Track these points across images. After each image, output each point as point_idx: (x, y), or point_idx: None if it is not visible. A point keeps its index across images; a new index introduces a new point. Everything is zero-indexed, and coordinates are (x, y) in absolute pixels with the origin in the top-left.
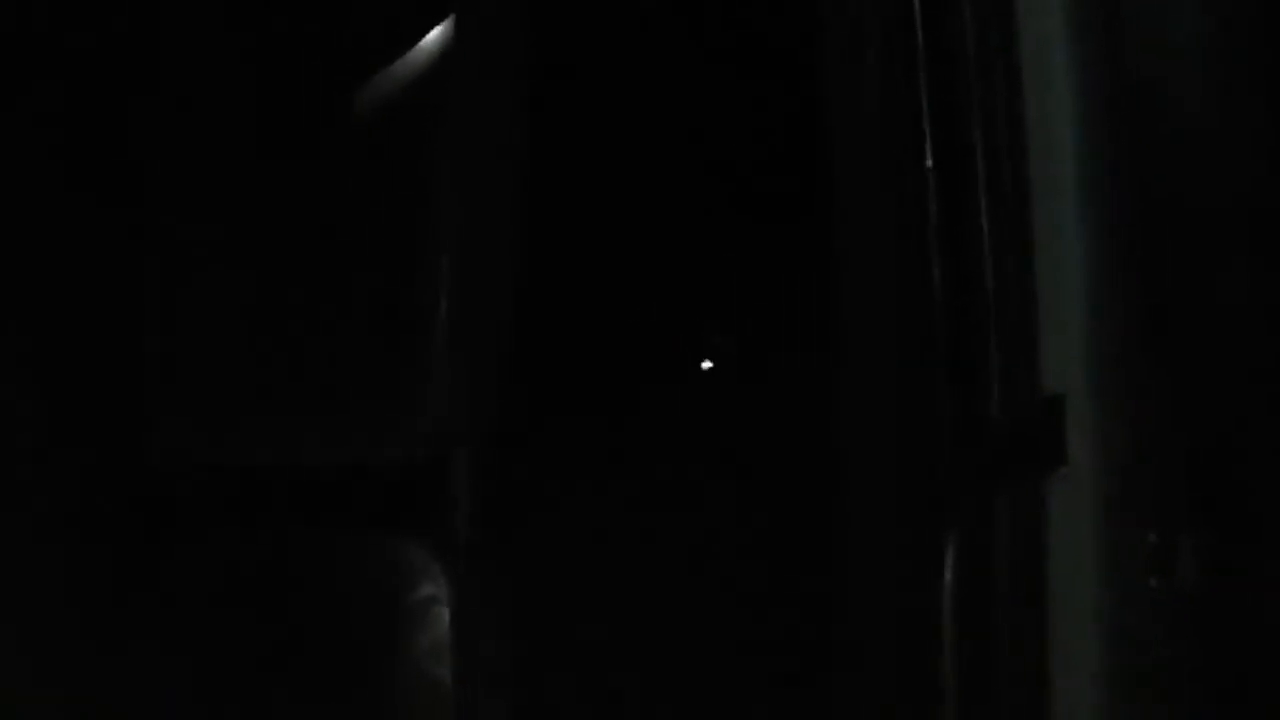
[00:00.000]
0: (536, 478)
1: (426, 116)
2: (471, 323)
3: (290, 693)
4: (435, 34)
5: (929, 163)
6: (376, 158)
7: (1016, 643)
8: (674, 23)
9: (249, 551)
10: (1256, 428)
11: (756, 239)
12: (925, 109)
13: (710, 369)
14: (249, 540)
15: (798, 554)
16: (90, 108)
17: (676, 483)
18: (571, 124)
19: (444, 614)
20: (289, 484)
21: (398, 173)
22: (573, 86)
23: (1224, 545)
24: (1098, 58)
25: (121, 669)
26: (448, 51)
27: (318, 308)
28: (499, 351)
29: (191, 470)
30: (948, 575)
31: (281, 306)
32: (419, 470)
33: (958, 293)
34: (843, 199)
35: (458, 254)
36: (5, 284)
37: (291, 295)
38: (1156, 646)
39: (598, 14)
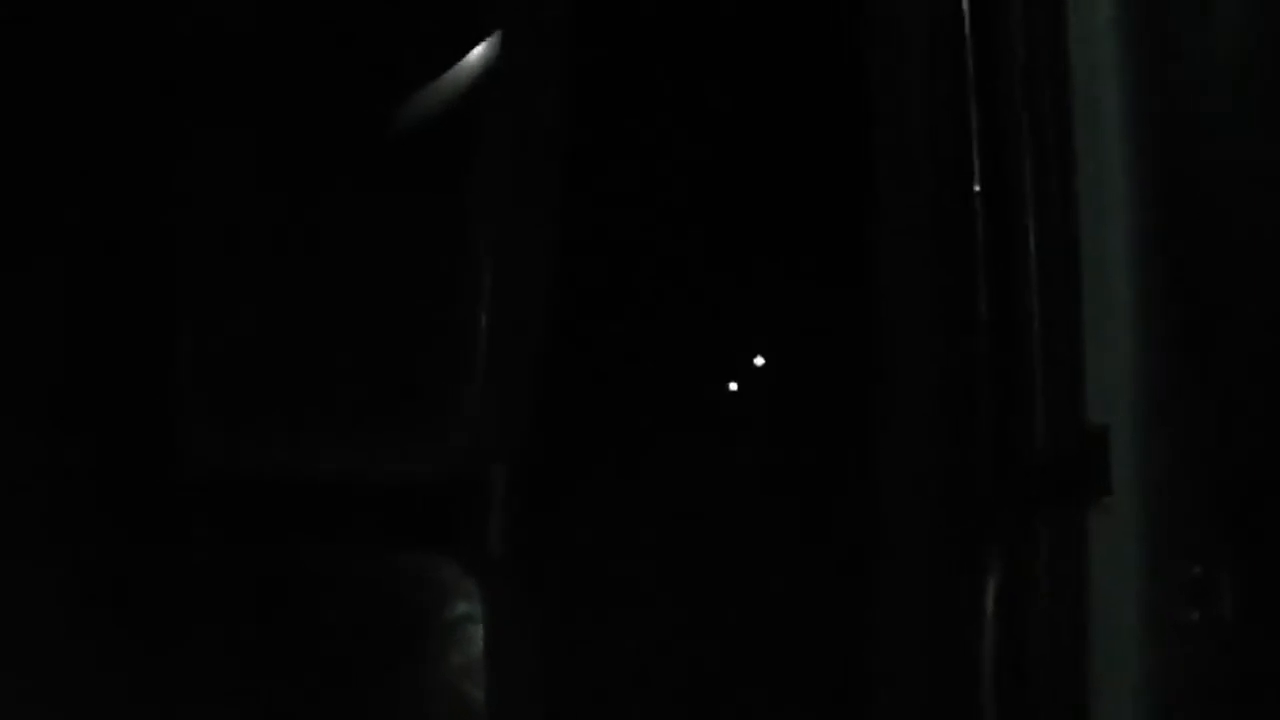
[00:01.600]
0: (571, 495)
1: (467, 133)
2: (508, 339)
3: (321, 711)
4: (478, 51)
5: (976, 187)
6: (415, 173)
7: (1056, 673)
8: (719, 44)
9: (281, 566)
10: None
11: (798, 261)
12: (974, 133)
13: (746, 387)
14: (282, 555)
15: (835, 581)
16: (124, 115)
17: (711, 501)
18: (612, 142)
19: (478, 632)
20: (323, 499)
21: (436, 189)
22: (614, 104)
23: (1266, 579)
24: (1147, 86)
25: (142, 683)
26: (490, 69)
27: (353, 323)
28: (535, 368)
29: (223, 483)
30: (988, 605)
31: (318, 321)
32: (454, 486)
33: (1003, 321)
34: (888, 223)
35: (495, 270)
36: (36, 289)
37: (328, 310)
38: (1197, 679)
39: (640, 34)
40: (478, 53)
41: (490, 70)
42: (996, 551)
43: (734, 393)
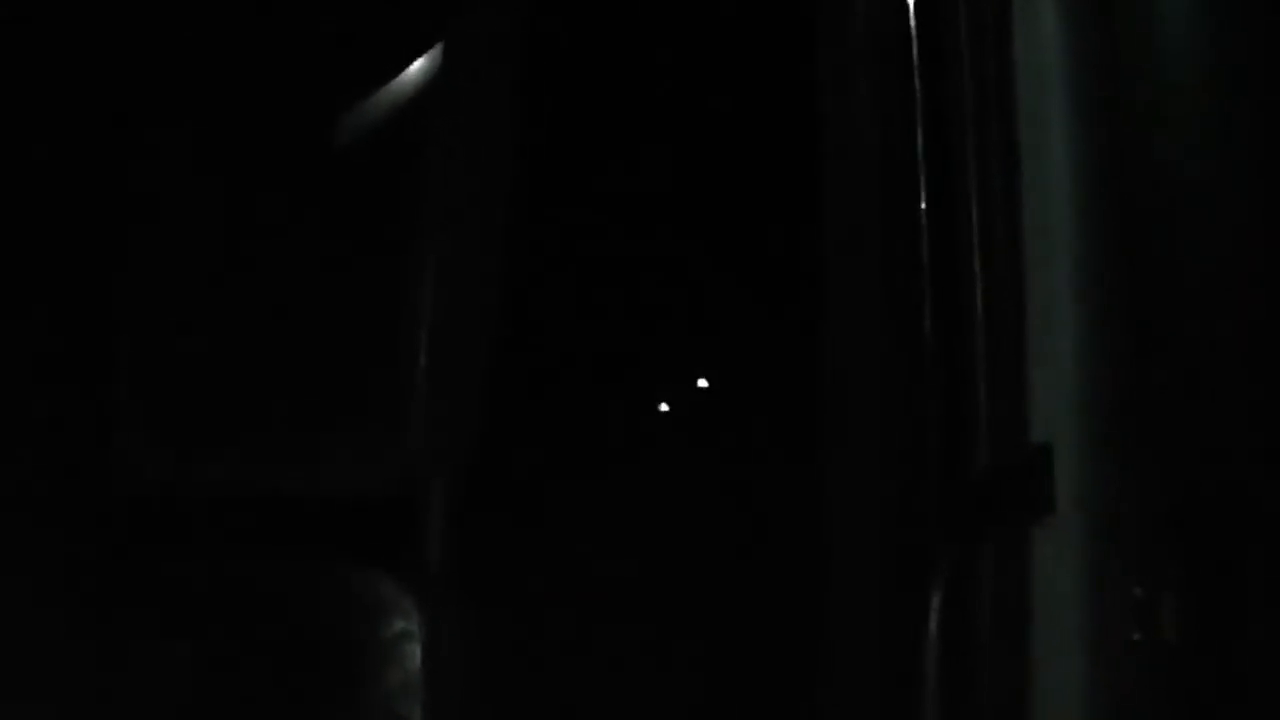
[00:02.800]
0: (511, 511)
1: (410, 143)
2: (449, 356)
3: None
4: (424, 59)
5: (922, 205)
6: (359, 186)
7: (999, 691)
8: (669, 54)
9: (217, 582)
10: (1245, 482)
11: (744, 275)
12: (920, 149)
13: (692, 402)
14: (217, 571)
15: (781, 597)
16: (76, 119)
17: (655, 517)
18: (557, 155)
19: (415, 650)
20: (260, 514)
21: (379, 203)
22: (562, 113)
23: (1208, 601)
24: (1096, 104)
25: (88, 696)
26: (435, 78)
27: (294, 338)
28: (476, 385)
29: (161, 498)
30: (932, 622)
31: (258, 333)
32: (393, 502)
33: (947, 339)
34: (834, 240)
35: (438, 286)
36: None
37: (268, 325)
38: (1138, 699)
39: (589, 37)
40: (424, 60)
41: (437, 79)
42: (940, 569)
43: (679, 408)
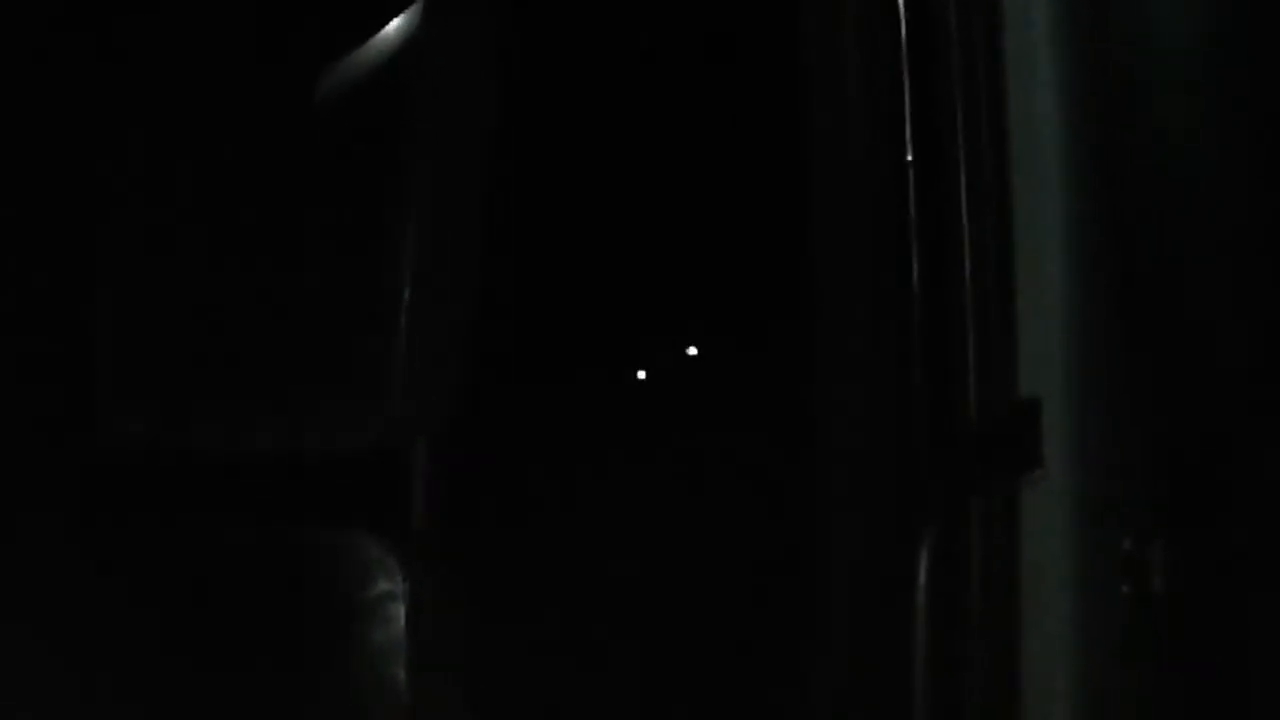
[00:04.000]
0: (494, 470)
1: (391, 105)
2: (432, 313)
3: (242, 689)
4: (403, 18)
5: (909, 157)
6: (340, 145)
7: (989, 646)
8: (648, 9)
9: (201, 544)
10: (1232, 435)
11: (729, 233)
12: (906, 103)
13: (677, 365)
14: (200, 533)
15: (768, 553)
16: (47, 89)
17: (638, 478)
18: (540, 113)
19: (399, 610)
20: (241, 474)
21: (361, 160)
22: (542, 73)
23: (1197, 552)
24: (1082, 54)
25: (67, 666)
26: (416, 36)
27: (275, 295)
28: (459, 342)
29: (144, 460)
30: (921, 578)
31: (238, 293)
32: (375, 462)
33: (935, 293)
34: (819, 194)
35: (420, 243)
36: None
37: (248, 282)
38: (1128, 652)
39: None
40: (404, 22)
41: (416, 42)
42: (929, 525)
43: (665, 369)
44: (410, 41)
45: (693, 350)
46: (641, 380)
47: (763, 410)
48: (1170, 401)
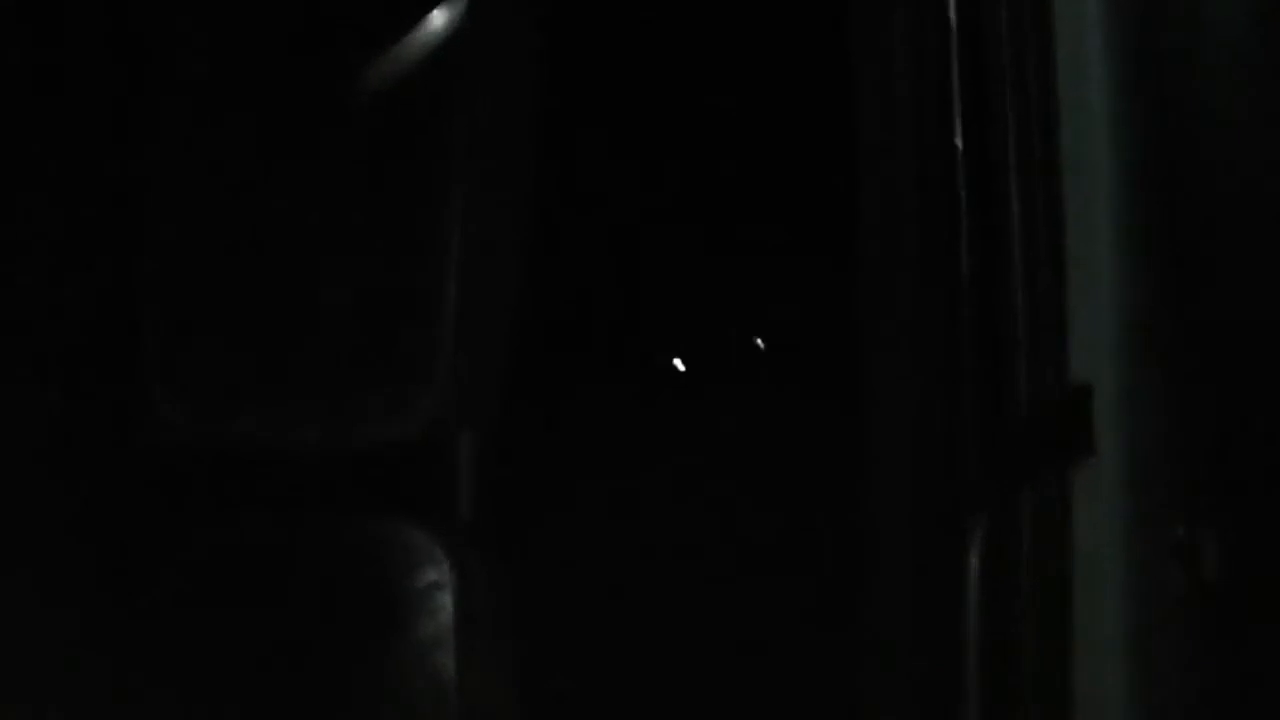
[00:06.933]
0: (542, 461)
1: (439, 98)
2: (479, 304)
3: (290, 680)
4: (449, 16)
5: (958, 144)
6: (386, 138)
7: (1040, 635)
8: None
9: (248, 535)
10: None
11: (777, 225)
12: (956, 89)
13: (722, 357)
14: (248, 524)
15: (817, 547)
16: (91, 92)
17: (687, 470)
18: (587, 103)
19: (447, 600)
20: (290, 466)
21: (407, 153)
22: (588, 67)
23: (1249, 541)
24: (1134, 37)
25: (117, 657)
26: (462, 32)
27: (323, 287)
28: (506, 333)
29: (190, 451)
30: (972, 567)
31: (284, 284)
32: (423, 453)
33: (985, 280)
34: (868, 182)
35: (467, 235)
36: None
37: (295, 273)
38: (1180, 641)
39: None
40: (450, 14)
41: (463, 34)
42: (980, 513)
43: (711, 360)
44: (457, 33)
45: (759, 342)
46: (683, 370)
47: (811, 401)
48: (1222, 388)
